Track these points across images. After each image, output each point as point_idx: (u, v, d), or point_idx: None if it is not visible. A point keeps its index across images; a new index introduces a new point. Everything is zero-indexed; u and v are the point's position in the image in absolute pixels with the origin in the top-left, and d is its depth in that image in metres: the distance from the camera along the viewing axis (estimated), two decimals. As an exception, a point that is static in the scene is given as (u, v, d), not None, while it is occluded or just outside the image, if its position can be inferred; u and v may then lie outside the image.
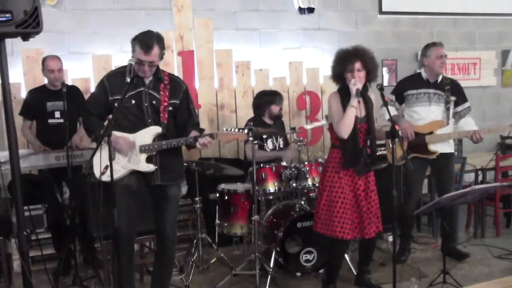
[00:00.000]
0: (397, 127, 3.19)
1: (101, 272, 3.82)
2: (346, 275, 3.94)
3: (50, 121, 4.30)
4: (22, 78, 4.83)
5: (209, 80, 5.47)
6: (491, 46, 6.87)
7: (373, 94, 3.59)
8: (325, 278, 3.69)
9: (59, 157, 4.08)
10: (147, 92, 3.17)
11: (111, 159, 2.81)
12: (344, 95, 3.47)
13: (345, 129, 3.38)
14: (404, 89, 4.34)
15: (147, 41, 3.07)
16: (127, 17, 5.14)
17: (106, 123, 3.28)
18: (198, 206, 4.28)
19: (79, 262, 4.15)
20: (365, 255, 3.76)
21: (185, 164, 4.52)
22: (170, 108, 3.22)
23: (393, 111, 4.33)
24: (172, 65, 5.29)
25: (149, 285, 3.52)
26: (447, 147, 4.26)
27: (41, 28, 2.47)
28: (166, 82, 3.22)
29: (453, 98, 4.23)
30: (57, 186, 4.26)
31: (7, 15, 2.38)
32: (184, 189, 5.11)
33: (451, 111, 4.25)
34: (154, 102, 3.18)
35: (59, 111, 4.26)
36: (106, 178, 2.99)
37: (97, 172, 3.09)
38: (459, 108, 4.28)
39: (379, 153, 4.78)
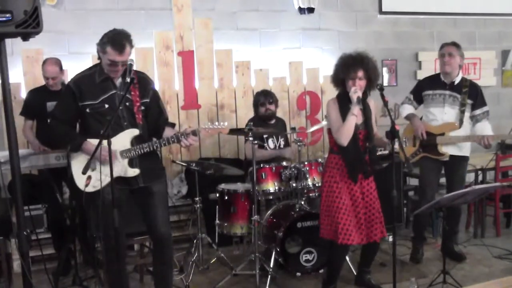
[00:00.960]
0: (397, 127, 3.19)
1: (101, 272, 3.82)
2: (346, 275, 3.94)
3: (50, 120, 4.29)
4: (22, 78, 4.83)
5: (209, 80, 5.46)
6: (491, 46, 6.87)
7: (373, 101, 3.60)
8: (325, 278, 3.69)
9: (59, 157, 4.07)
10: (119, 95, 3.08)
11: (111, 163, 2.79)
12: (343, 101, 3.47)
13: (345, 137, 3.38)
14: (422, 89, 4.36)
15: (120, 40, 2.97)
16: (127, 17, 5.14)
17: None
18: (198, 206, 4.28)
19: (79, 262, 4.15)
20: (366, 259, 3.77)
21: (184, 164, 4.56)
22: (143, 108, 3.16)
23: (410, 109, 4.37)
24: (172, 65, 5.29)
25: (149, 285, 3.51)
26: (460, 150, 4.22)
27: (41, 28, 2.47)
28: (135, 81, 3.12)
29: (469, 102, 4.18)
30: (57, 186, 4.25)
31: (7, 15, 2.38)
32: (184, 189, 5.12)
33: (466, 114, 4.18)
34: (127, 103, 3.10)
35: None
36: (91, 188, 2.98)
37: (79, 184, 3.06)
38: (477, 112, 4.21)
39: (379, 153, 4.78)
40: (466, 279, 3.89)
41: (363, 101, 3.43)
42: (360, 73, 3.38)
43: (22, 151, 3.76)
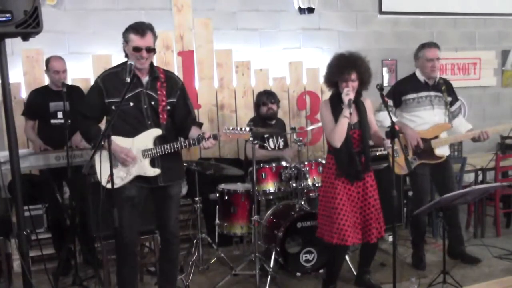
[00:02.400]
0: (396, 127, 3.18)
1: (101, 272, 3.82)
2: (346, 275, 3.94)
3: (52, 121, 4.28)
4: (22, 78, 4.83)
5: (209, 80, 5.47)
6: (491, 46, 6.87)
7: (368, 100, 3.59)
8: (325, 278, 3.70)
9: (59, 157, 4.08)
10: (145, 93, 3.10)
11: (111, 162, 2.81)
12: (335, 102, 3.48)
13: (338, 139, 3.38)
14: (402, 93, 4.14)
15: (141, 26, 3.07)
16: (127, 17, 5.11)
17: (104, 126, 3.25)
18: (198, 206, 4.28)
19: (79, 262, 4.15)
20: (366, 259, 3.76)
21: (185, 164, 4.53)
22: (169, 107, 3.17)
23: (393, 117, 4.24)
24: (172, 65, 5.29)
25: (149, 285, 3.51)
26: (446, 150, 4.19)
27: (41, 28, 2.47)
28: (162, 80, 3.16)
29: (449, 99, 4.15)
30: (57, 186, 4.26)
31: (7, 15, 2.38)
32: (184, 189, 5.12)
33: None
34: (152, 103, 3.12)
35: (61, 111, 4.24)
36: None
37: (102, 180, 3.06)
38: (453, 108, 4.19)
39: (379, 153, 4.78)
40: (466, 279, 3.89)
41: (356, 101, 3.43)
42: (353, 75, 3.38)
43: (22, 151, 3.77)
